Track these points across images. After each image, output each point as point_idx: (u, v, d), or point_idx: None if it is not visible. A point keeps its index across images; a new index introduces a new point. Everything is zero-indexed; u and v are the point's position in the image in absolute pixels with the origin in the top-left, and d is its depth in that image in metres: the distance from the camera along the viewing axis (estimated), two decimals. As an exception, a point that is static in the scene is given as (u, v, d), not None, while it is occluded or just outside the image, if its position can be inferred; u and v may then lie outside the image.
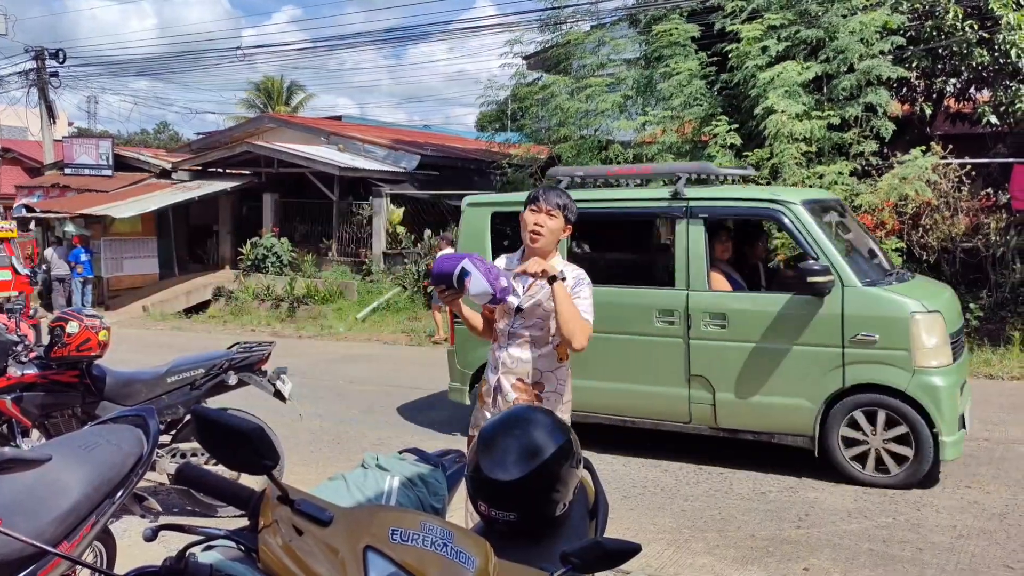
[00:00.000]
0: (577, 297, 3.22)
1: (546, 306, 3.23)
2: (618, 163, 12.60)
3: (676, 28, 11.98)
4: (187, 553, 1.46)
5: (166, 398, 4.85)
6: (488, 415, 3.34)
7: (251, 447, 1.52)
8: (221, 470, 3.74)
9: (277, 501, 1.52)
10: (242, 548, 1.52)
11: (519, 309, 3.27)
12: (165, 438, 4.82)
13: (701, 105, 11.75)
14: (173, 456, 4.79)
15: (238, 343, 5.28)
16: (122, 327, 13.48)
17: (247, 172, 19.39)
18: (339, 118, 25.40)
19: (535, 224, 3.21)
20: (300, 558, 1.45)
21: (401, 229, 16.65)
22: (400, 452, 2.65)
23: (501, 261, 3.42)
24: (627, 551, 1.67)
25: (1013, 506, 4.94)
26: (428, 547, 1.52)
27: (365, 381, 9.49)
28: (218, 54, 39.78)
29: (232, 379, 4.93)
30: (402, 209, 16.85)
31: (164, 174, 20.65)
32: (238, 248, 18.42)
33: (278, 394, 5.04)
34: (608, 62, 13.52)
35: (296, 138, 19.39)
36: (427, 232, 16.05)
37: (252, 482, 2.67)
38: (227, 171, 19.88)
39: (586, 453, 6.70)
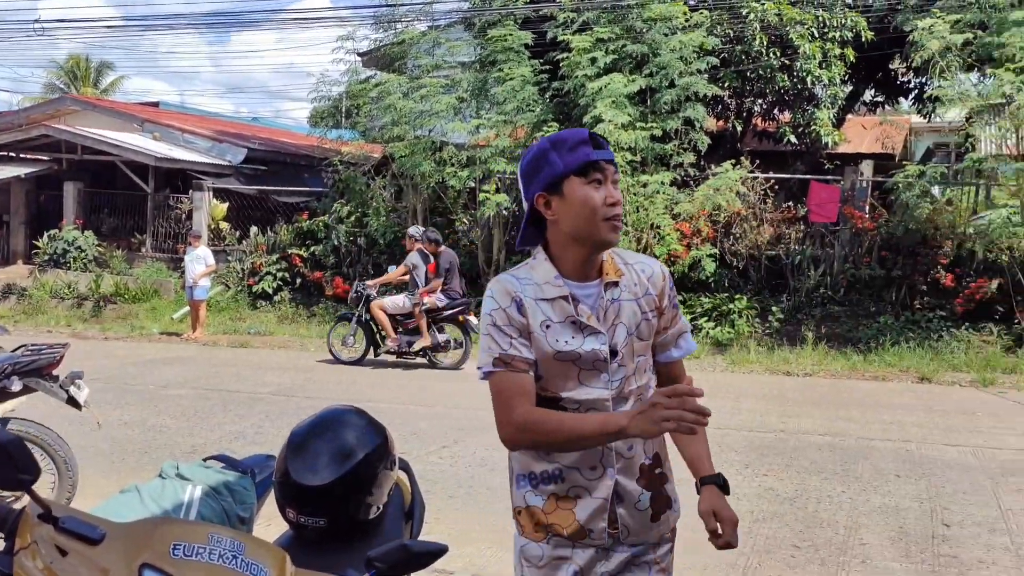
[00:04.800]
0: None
1: (643, 329, 1.90)
2: (452, 165, 12.66)
3: (510, 34, 12.19)
4: (-76, 582, 1.26)
5: (-65, 406, 4.29)
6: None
7: (6, 460, 1.34)
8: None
9: (38, 519, 1.35)
10: (-7, 573, 1.34)
11: (614, 353, 1.85)
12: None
13: (533, 111, 12.02)
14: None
15: (24, 345, 4.77)
16: None
17: (45, 158, 17.68)
18: (156, 104, 23.79)
19: (613, 203, 1.80)
20: (63, 581, 1.30)
21: (225, 225, 15.82)
22: (205, 459, 2.49)
23: (506, 287, 1.85)
24: (433, 552, 1.64)
25: (802, 491, 5.38)
26: (215, 561, 1.41)
27: (180, 384, 8.90)
28: (11, 26, 35.94)
29: (16, 385, 4.42)
30: (226, 204, 16.01)
31: (-56, 156, 18.44)
32: (33, 241, 16.77)
33: (72, 401, 4.59)
34: (443, 64, 13.53)
35: (105, 123, 17.92)
36: (253, 229, 15.36)
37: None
38: (20, 156, 18.02)
39: (413, 453, 6.59)
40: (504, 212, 12.21)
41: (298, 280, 14.39)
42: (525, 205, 1.89)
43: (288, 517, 1.91)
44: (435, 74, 13.27)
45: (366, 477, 1.90)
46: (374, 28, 14.55)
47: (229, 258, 15.20)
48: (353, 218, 14.09)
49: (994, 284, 10.42)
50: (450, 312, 9.90)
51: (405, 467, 2.33)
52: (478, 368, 1.84)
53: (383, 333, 10.09)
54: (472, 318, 9.81)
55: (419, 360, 10.11)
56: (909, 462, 6.01)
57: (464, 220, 13.48)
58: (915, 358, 9.70)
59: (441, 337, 9.97)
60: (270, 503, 2.19)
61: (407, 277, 10.15)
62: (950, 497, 5.24)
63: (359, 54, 14.72)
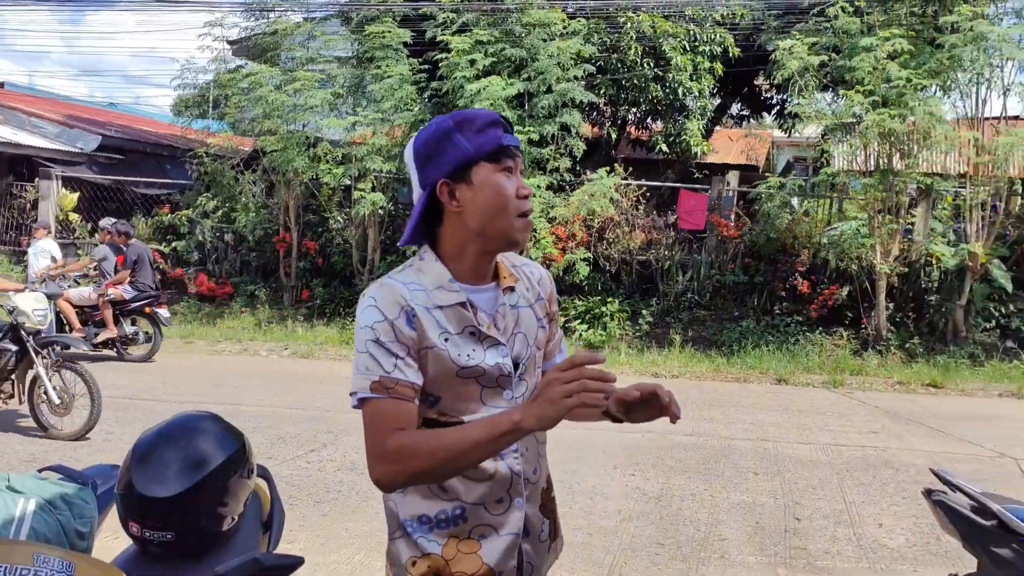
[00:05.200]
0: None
1: (540, 338, 1.72)
2: (326, 161, 12.32)
3: (389, 31, 12.00)
4: None
5: None
6: None
7: None
8: None
9: None
10: None
11: (516, 366, 1.64)
12: None
13: (411, 110, 11.88)
14: None
15: None
16: None
17: None
18: (0, 85, 21.97)
19: (527, 195, 1.61)
20: None
21: (75, 216, 14.75)
22: (40, 470, 2.27)
23: (395, 295, 1.55)
24: (287, 566, 1.54)
25: (667, 490, 5.54)
26: None
27: (20, 388, 8.20)
28: None
29: None
30: (77, 194, 14.94)
31: None
32: None
33: None
34: (318, 57, 13.18)
35: (-59, 103, 16.39)
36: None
37: None
38: None
39: (279, 457, 6.32)
40: (380, 211, 12.01)
41: (158, 277, 13.64)
42: (417, 193, 1.59)
43: (131, 532, 1.76)
44: (310, 68, 12.90)
45: (219, 487, 1.78)
46: (245, 16, 14.02)
47: (79, 252, 14.20)
48: (220, 213, 13.49)
49: (845, 291, 11.15)
50: (137, 304, 9.90)
51: (265, 474, 2.21)
52: (351, 394, 1.52)
53: (70, 325, 9.91)
54: (162, 310, 10.01)
55: (107, 352, 9.97)
56: (766, 460, 6.31)
57: (339, 218, 13.17)
58: (774, 360, 10.24)
59: (130, 329, 9.97)
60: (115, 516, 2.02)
61: (94, 270, 10.20)
62: (801, 492, 5.53)
63: (229, 42, 14.12)
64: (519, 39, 11.66)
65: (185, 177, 14.90)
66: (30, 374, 6.41)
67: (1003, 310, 10.94)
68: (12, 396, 6.52)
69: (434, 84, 11.90)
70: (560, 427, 1.44)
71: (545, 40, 11.51)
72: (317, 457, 6.00)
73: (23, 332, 6.34)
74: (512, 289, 1.65)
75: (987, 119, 10.80)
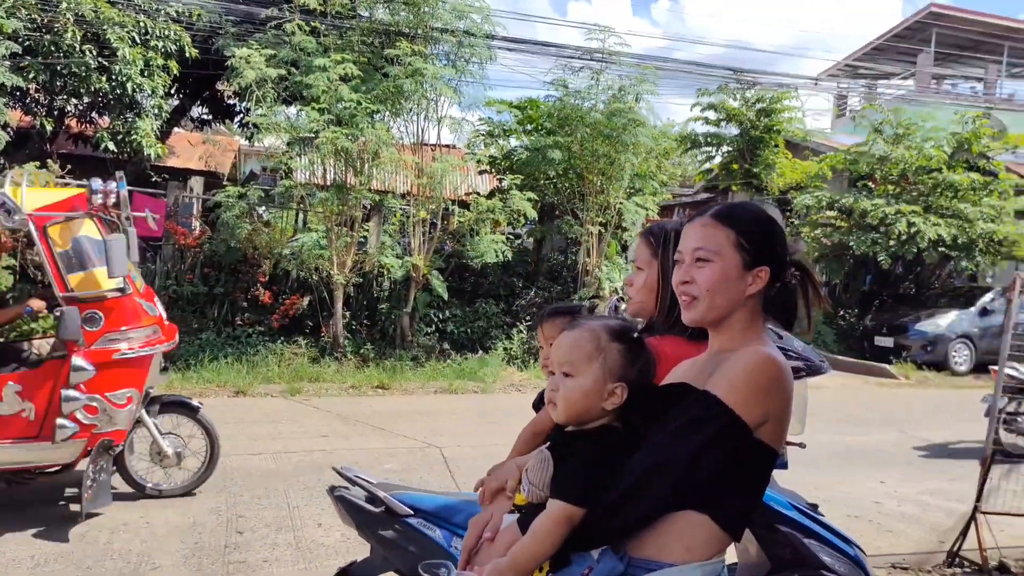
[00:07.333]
0: None
1: None
2: None
3: None
4: None
5: None
6: None
7: None
8: None
9: None
10: None
11: None
12: None
13: None
14: None
15: None
16: None
17: None
18: None
19: None
20: None
21: None
22: None
23: None
24: None
25: (95, 524, 4.89)
26: None
27: None
28: None
29: None
30: None
31: None
32: None
33: None
34: None
35: None
36: None
37: None
38: None
39: None
40: None
41: None
42: None
43: None
44: None
45: None
46: None
47: None
48: None
49: (306, 301, 11.45)
50: None
51: None
52: None
53: None
54: None
55: None
56: (214, 475, 6.01)
57: None
58: (233, 372, 9.97)
59: None
60: None
61: None
62: (247, 504, 5.39)
63: None
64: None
65: None
66: None
67: (441, 316, 12.44)
68: None
69: None
70: None
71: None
72: None
73: None
74: None
75: (427, 145, 12.16)
